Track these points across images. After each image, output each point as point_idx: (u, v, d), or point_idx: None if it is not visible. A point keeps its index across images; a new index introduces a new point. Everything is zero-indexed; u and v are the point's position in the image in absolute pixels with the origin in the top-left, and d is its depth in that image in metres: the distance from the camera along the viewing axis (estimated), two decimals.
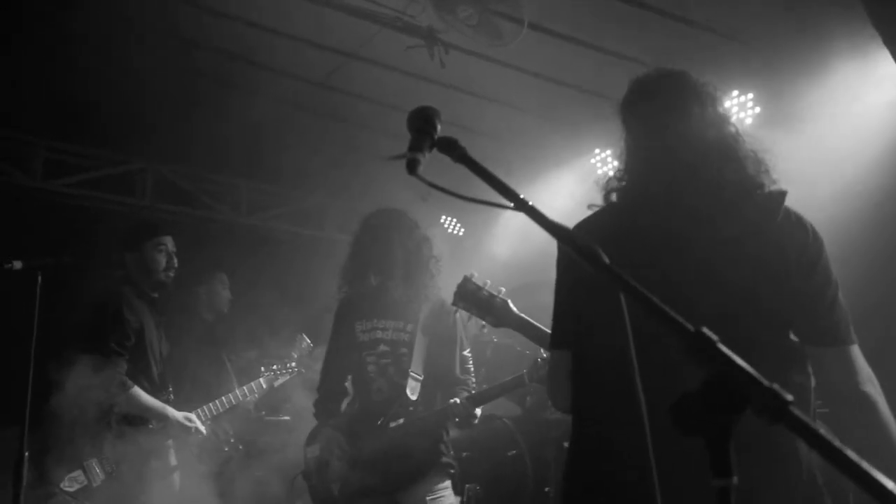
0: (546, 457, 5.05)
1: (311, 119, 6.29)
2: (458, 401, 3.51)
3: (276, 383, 4.98)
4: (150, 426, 4.15)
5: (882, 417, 1.84)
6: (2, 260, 3.45)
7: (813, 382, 1.90)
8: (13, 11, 4.84)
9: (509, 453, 5.23)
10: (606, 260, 1.09)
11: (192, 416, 4.32)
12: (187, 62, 5.43)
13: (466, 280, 3.02)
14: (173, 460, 4.28)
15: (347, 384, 3.89)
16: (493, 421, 5.26)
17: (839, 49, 4.41)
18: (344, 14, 4.85)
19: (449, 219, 7.38)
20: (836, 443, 0.84)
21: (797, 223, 1.94)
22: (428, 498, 3.55)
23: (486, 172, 1.23)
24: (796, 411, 0.87)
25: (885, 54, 4.04)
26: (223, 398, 4.56)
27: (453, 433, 3.84)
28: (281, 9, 4.89)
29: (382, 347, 3.70)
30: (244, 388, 4.76)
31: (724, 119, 1.97)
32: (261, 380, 4.86)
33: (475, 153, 1.25)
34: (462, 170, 1.26)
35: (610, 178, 2.03)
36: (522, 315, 2.94)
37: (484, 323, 3.03)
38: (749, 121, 5.06)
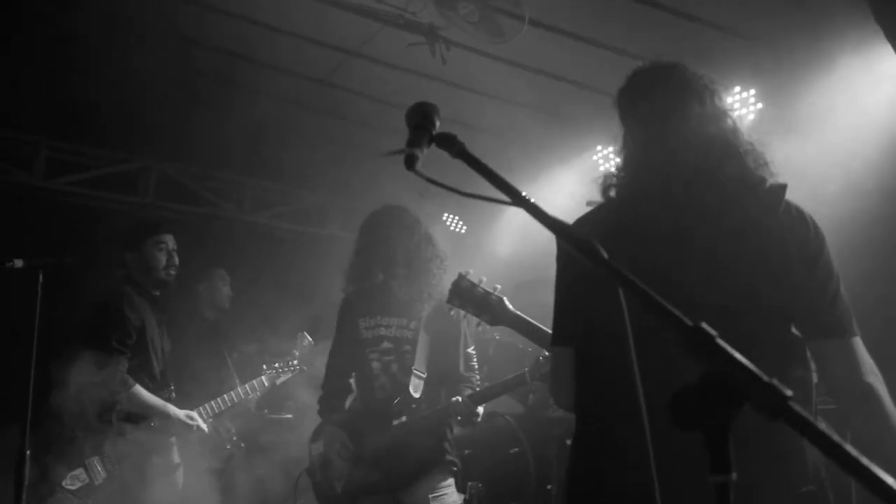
0: (548, 454, 5.04)
1: (312, 117, 6.29)
2: (459, 399, 3.51)
3: (278, 381, 4.98)
4: (152, 424, 4.15)
5: (885, 408, 1.83)
6: (3, 258, 3.45)
7: (815, 378, 1.89)
8: (13, 11, 4.84)
9: (512, 451, 5.23)
10: (605, 255, 1.09)
11: (194, 413, 4.32)
12: (188, 61, 5.42)
13: (461, 277, 2.99)
14: (176, 458, 4.29)
15: (351, 381, 3.89)
16: (495, 418, 5.25)
17: (843, 44, 4.39)
18: (345, 12, 4.84)
19: (451, 217, 7.37)
20: (836, 438, 0.84)
21: (798, 217, 1.93)
22: (431, 496, 3.55)
23: (484, 168, 1.22)
24: (796, 407, 0.86)
25: (889, 50, 4.02)
26: (225, 396, 4.57)
27: (455, 431, 3.83)
28: (282, 7, 4.89)
29: (386, 345, 3.70)
30: (246, 385, 4.76)
31: (722, 112, 1.96)
32: (262, 378, 4.86)
33: (476, 150, 1.24)
34: (464, 167, 1.25)
35: (608, 174, 2.03)
36: (518, 313, 2.91)
37: (479, 321, 3.01)
38: (751, 117, 5.04)
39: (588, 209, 2.06)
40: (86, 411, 3.91)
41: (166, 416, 4.18)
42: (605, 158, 6.09)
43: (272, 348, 5.16)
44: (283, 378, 5.00)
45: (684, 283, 1.70)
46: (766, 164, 1.91)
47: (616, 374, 1.30)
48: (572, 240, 1.12)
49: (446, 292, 3.07)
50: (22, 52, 5.17)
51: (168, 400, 4.26)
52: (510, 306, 2.93)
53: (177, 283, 4.55)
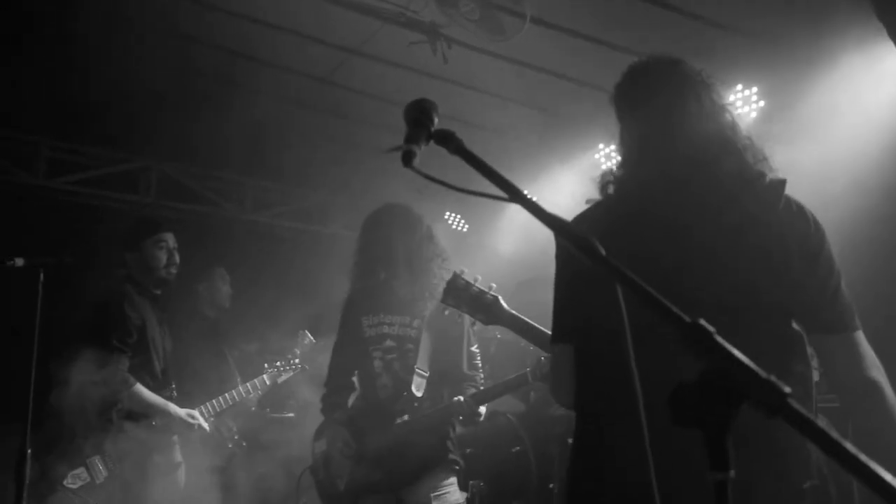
0: (550, 453, 5.04)
1: (313, 116, 6.29)
2: (461, 399, 3.50)
3: (280, 380, 4.98)
4: (154, 423, 4.15)
5: (888, 402, 1.83)
6: (4, 257, 3.45)
7: (816, 376, 1.88)
8: (13, 11, 4.85)
9: (513, 450, 5.23)
10: (603, 251, 1.08)
11: (195, 412, 4.32)
12: (188, 60, 5.43)
13: (456, 276, 2.95)
14: (178, 457, 4.29)
15: (354, 379, 3.89)
16: (496, 417, 5.24)
17: (845, 42, 4.38)
18: (346, 10, 4.84)
19: (453, 215, 7.37)
20: (835, 435, 0.83)
21: (798, 213, 1.92)
22: (433, 494, 3.55)
23: (482, 164, 1.22)
24: (794, 404, 0.85)
25: (892, 47, 4.01)
26: (226, 395, 4.56)
27: (457, 430, 3.83)
28: (283, 5, 4.89)
29: (388, 343, 3.70)
30: (247, 384, 4.76)
31: (719, 107, 1.95)
32: (264, 376, 4.86)
33: (477, 149, 1.24)
34: (465, 165, 1.25)
35: (605, 171, 2.02)
36: (514, 312, 2.87)
37: (474, 320, 2.98)
38: (753, 115, 5.03)
39: (586, 206, 2.06)
40: (86, 410, 3.91)
41: (167, 414, 4.18)
42: (607, 157, 6.07)
43: (273, 347, 5.16)
44: (284, 377, 5.00)
45: (683, 279, 1.70)
46: (764, 158, 1.90)
47: (614, 372, 1.29)
48: (570, 236, 1.12)
49: None
50: (22, 52, 5.17)
51: (169, 399, 4.26)
52: (505, 305, 2.90)
53: (177, 283, 4.54)
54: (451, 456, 3.66)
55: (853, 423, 1.84)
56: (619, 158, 2.02)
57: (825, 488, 1.78)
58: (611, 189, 1.99)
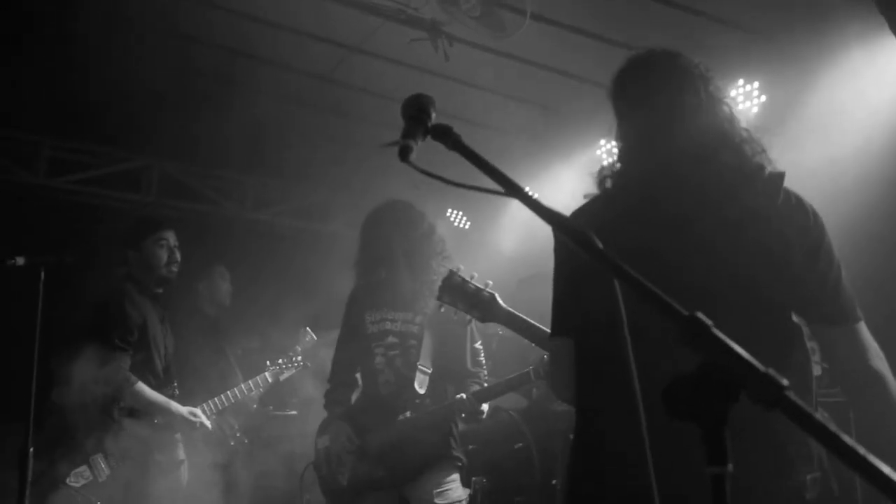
0: (553, 449, 5.04)
1: (313, 115, 6.29)
2: (464, 396, 3.50)
3: (282, 377, 4.98)
4: (155, 421, 4.15)
5: (891, 392, 1.83)
6: (5, 256, 3.46)
7: (818, 371, 1.88)
8: (13, 11, 4.85)
9: (516, 446, 5.23)
10: (600, 245, 1.08)
11: (197, 410, 4.32)
12: (188, 59, 5.43)
13: (452, 273, 2.92)
14: (181, 454, 4.29)
15: (357, 375, 3.89)
16: (499, 413, 5.24)
17: (846, 37, 4.37)
18: (347, 8, 4.84)
19: (455, 212, 7.36)
20: (833, 427, 0.83)
21: (797, 206, 1.91)
22: (435, 491, 3.55)
23: (479, 159, 1.21)
24: (792, 396, 0.85)
25: (893, 41, 4.00)
26: (228, 392, 4.56)
27: (460, 426, 3.83)
28: (283, 3, 4.88)
29: (391, 339, 3.70)
30: (249, 382, 4.76)
31: (717, 100, 1.94)
32: (266, 374, 4.86)
33: (478, 146, 1.23)
34: (466, 161, 1.24)
35: (603, 166, 2.01)
36: (510, 309, 2.84)
37: (470, 318, 2.95)
38: (755, 110, 5.02)
39: (584, 201, 2.05)
40: (88, 408, 3.92)
41: (169, 412, 4.18)
42: (609, 153, 6.06)
43: (274, 344, 5.16)
44: (286, 374, 5.00)
45: (682, 273, 1.69)
46: (763, 151, 1.90)
47: (613, 368, 1.28)
48: (568, 231, 1.12)
49: None
50: (22, 52, 5.17)
51: (171, 397, 4.26)
52: (502, 302, 2.87)
53: (178, 281, 4.54)
54: (454, 452, 3.66)
55: (855, 414, 1.84)
56: (616, 152, 2.01)
57: (826, 480, 1.77)
58: (609, 183, 1.99)
